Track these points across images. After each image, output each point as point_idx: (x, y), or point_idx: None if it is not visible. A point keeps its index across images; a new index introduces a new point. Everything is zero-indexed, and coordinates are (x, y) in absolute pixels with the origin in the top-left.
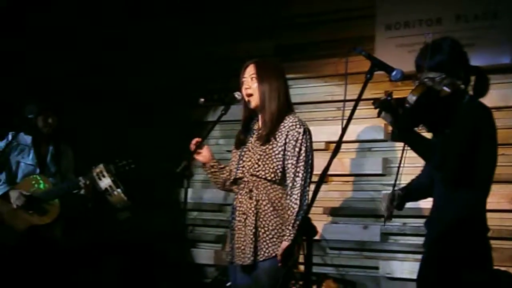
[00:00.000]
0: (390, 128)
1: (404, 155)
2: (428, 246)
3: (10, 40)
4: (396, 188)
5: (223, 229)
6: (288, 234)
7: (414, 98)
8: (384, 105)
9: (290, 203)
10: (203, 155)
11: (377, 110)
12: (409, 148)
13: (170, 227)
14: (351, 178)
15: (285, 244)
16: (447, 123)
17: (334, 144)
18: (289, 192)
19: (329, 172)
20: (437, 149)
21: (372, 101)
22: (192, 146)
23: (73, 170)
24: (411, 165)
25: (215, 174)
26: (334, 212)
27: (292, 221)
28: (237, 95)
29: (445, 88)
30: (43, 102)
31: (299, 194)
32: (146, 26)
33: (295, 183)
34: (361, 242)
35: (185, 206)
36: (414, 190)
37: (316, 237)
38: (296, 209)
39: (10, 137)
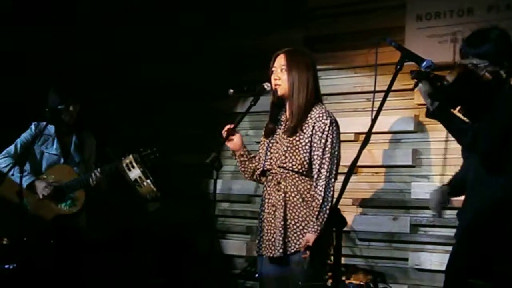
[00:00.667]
0: (420, 118)
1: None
2: (459, 236)
3: (36, 29)
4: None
5: (252, 220)
6: (312, 226)
7: (452, 77)
8: (422, 76)
9: (315, 195)
10: (234, 142)
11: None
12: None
13: (199, 218)
14: (380, 170)
15: (309, 235)
16: (485, 109)
17: (364, 136)
18: (315, 184)
19: (359, 164)
20: (471, 130)
21: (410, 73)
22: (224, 133)
23: (94, 160)
24: (440, 156)
25: (244, 163)
26: (363, 204)
27: (316, 213)
28: (266, 86)
29: (487, 74)
30: (65, 91)
31: (323, 186)
32: (174, 17)
33: (320, 175)
34: (391, 233)
35: (214, 197)
36: (459, 185)
37: (346, 229)
38: (321, 201)
39: (33, 127)
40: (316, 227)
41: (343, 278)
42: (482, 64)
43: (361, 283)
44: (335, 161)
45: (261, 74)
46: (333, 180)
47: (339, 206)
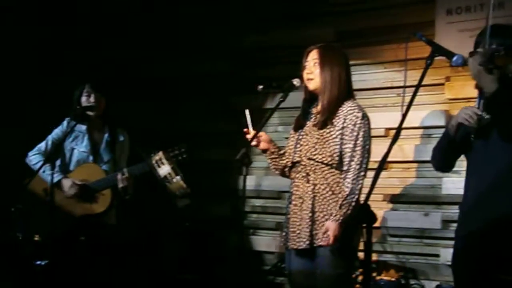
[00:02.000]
0: (451, 113)
1: None
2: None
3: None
4: None
5: (282, 216)
6: (334, 215)
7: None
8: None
9: (343, 186)
10: (262, 143)
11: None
12: None
13: (229, 215)
14: (411, 165)
15: (329, 223)
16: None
17: (394, 131)
18: (344, 176)
19: (389, 159)
20: None
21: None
22: (253, 142)
23: (127, 157)
24: None
25: (275, 160)
26: (394, 199)
27: (340, 203)
28: (295, 82)
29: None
30: (86, 82)
31: (352, 178)
32: (200, 12)
33: (350, 167)
34: (422, 229)
35: (244, 193)
36: None
37: (376, 225)
38: (347, 192)
39: (65, 123)
40: (338, 216)
41: (374, 274)
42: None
43: (392, 279)
44: (366, 155)
45: (290, 70)
46: (362, 173)
47: (369, 202)
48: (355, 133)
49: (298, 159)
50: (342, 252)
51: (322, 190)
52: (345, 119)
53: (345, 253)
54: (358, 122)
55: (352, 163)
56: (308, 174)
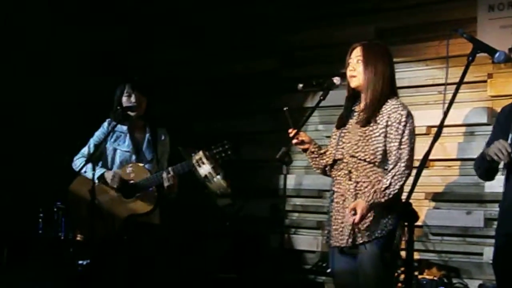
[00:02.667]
0: (494, 110)
1: None
2: None
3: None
4: None
5: (323, 215)
6: (367, 195)
7: None
8: None
9: (383, 179)
10: (303, 143)
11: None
12: None
13: (270, 214)
14: (453, 163)
15: (359, 201)
16: None
17: (436, 129)
18: (388, 171)
19: (431, 157)
20: None
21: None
22: (295, 140)
23: (168, 157)
24: None
25: (315, 159)
26: (436, 198)
27: (376, 189)
28: (335, 80)
29: None
30: (126, 82)
31: (394, 174)
32: (247, 12)
33: (395, 165)
34: (464, 227)
35: (284, 192)
36: None
37: (418, 223)
38: (386, 185)
39: (106, 124)
40: (370, 197)
41: (416, 273)
42: None
43: (435, 278)
44: (412, 153)
45: (331, 68)
46: (407, 172)
47: (411, 200)
48: (400, 131)
49: (340, 156)
50: (385, 250)
51: (364, 187)
52: (389, 117)
53: (387, 251)
54: (403, 120)
55: (399, 161)
56: (350, 172)
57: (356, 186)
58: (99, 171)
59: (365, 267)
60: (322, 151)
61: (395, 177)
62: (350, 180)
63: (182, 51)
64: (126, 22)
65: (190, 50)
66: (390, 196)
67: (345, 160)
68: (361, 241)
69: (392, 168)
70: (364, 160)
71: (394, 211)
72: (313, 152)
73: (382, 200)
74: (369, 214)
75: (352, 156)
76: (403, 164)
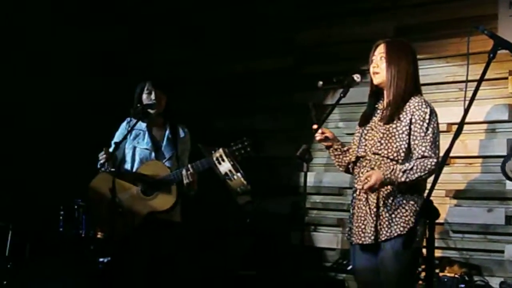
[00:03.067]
0: None
1: None
2: None
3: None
4: None
5: (343, 212)
6: (386, 169)
7: None
8: None
9: (407, 163)
10: (326, 140)
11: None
12: None
13: (290, 211)
14: (474, 160)
15: (376, 171)
16: None
17: (456, 126)
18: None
19: (452, 154)
20: None
21: None
22: (317, 135)
23: (188, 154)
24: None
25: (339, 157)
26: (457, 195)
27: (395, 167)
28: (356, 77)
29: None
30: (147, 79)
31: (417, 164)
32: (266, 9)
33: (421, 158)
34: (485, 225)
35: (305, 190)
36: None
37: (439, 220)
38: (408, 167)
39: (125, 123)
40: (388, 172)
41: (437, 270)
42: None
43: (456, 275)
44: (437, 152)
45: (351, 65)
46: (432, 168)
47: (431, 198)
48: (424, 129)
49: (363, 154)
50: (406, 247)
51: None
52: (412, 114)
53: (409, 248)
54: (427, 117)
55: (425, 156)
56: (372, 169)
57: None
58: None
59: (386, 265)
60: (345, 149)
61: (419, 166)
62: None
63: (199, 49)
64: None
65: (208, 48)
66: (407, 180)
67: (368, 158)
68: (383, 239)
69: (418, 159)
70: (387, 158)
71: (416, 209)
72: (336, 150)
73: (398, 180)
74: (390, 212)
75: (375, 154)
76: (428, 160)
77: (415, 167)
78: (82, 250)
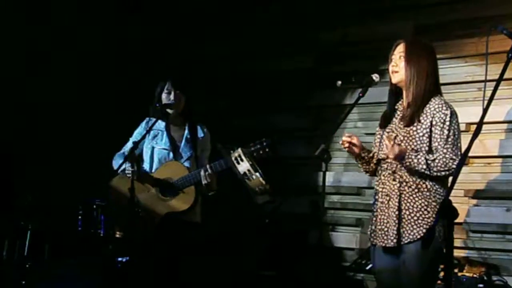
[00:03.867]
0: None
1: None
2: None
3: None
4: None
5: (362, 212)
6: (409, 152)
7: None
8: None
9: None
10: (354, 149)
11: None
12: None
13: (308, 211)
14: (493, 160)
15: (402, 147)
16: None
17: (475, 126)
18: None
19: (470, 154)
20: None
21: None
22: (346, 145)
23: (208, 154)
24: None
25: (365, 164)
26: (476, 195)
27: (416, 154)
28: (374, 77)
29: None
30: (167, 79)
31: (437, 161)
32: (285, 9)
33: (444, 156)
34: (504, 225)
35: (323, 189)
36: None
37: (457, 220)
38: (431, 158)
39: (144, 123)
40: (408, 151)
41: (456, 270)
42: None
43: (474, 275)
44: (458, 153)
45: (370, 65)
46: (452, 167)
47: (450, 198)
48: (445, 131)
49: (384, 156)
50: (425, 247)
51: (408, 187)
52: (433, 117)
53: (431, 250)
54: (447, 119)
55: (447, 156)
56: (394, 172)
57: (400, 186)
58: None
59: (409, 267)
60: (371, 155)
61: (441, 161)
62: (394, 180)
63: (219, 49)
64: (162, 21)
65: (227, 48)
66: (425, 171)
67: (388, 160)
68: (406, 242)
69: (441, 155)
70: None
71: (435, 209)
72: (363, 158)
73: (417, 167)
74: (412, 214)
75: None
76: (450, 160)
77: (437, 161)
78: (100, 250)
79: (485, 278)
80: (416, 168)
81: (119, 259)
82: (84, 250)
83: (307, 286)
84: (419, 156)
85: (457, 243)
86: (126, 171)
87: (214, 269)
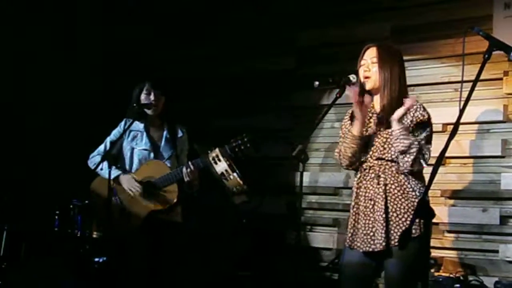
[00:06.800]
0: (509, 108)
1: None
2: None
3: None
4: None
5: (339, 212)
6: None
7: None
8: None
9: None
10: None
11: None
12: None
13: (286, 211)
14: (469, 160)
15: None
16: None
17: (452, 126)
18: None
19: (447, 154)
20: None
21: None
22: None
23: (187, 153)
24: None
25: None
26: (452, 195)
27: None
28: (352, 77)
29: None
30: (146, 80)
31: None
32: (266, 10)
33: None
34: (480, 225)
35: (301, 190)
36: None
37: (434, 220)
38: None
39: (123, 124)
40: (401, 124)
41: (432, 270)
42: None
43: (451, 275)
44: (429, 151)
45: (347, 66)
46: (423, 163)
47: (427, 198)
48: (422, 131)
49: (363, 159)
50: (402, 248)
51: (393, 189)
52: (412, 116)
53: (414, 250)
54: (425, 120)
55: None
56: (379, 176)
57: (385, 189)
58: (114, 172)
59: (393, 268)
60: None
61: (416, 148)
62: (378, 184)
63: (200, 50)
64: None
65: (207, 49)
66: (400, 136)
67: (370, 164)
68: (396, 244)
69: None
70: (392, 161)
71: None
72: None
73: (394, 127)
74: (400, 216)
75: (379, 159)
76: (423, 157)
77: (412, 148)
78: (77, 250)
79: (462, 278)
80: (404, 141)
81: (96, 259)
82: (61, 250)
83: (285, 286)
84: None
85: (433, 243)
86: (104, 171)
87: (192, 269)
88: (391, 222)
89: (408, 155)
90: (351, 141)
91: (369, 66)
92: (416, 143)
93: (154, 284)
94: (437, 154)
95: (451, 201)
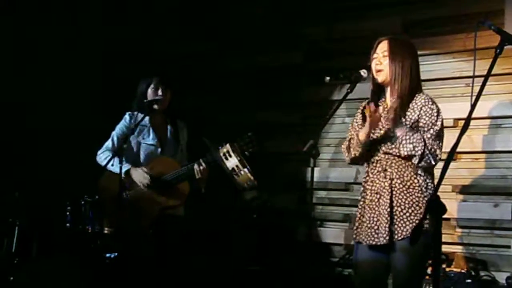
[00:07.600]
0: None
1: None
2: None
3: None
4: None
5: (350, 208)
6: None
7: None
8: None
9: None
10: (375, 120)
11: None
12: None
13: (296, 206)
14: (480, 155)
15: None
16: None
17: (463, 121)
18: None
19: (458, 150)
20: None
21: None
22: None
23: (186, 149)
24: None
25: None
26: (463, 190)
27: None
28: (363, 72)
29: None
30: (154, 75)
31: (426, 145)
32: (273, 4)
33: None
34: (492, 220)
35: (311, 185)
36: None
37: (445, 216)
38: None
39: (128, 117)
40: (398, 123)
41: (444, 265)
42: None
43: (462, 270)
44: (441, 145)
45: (358, 61)
46: (434, 159)
47: (438, 193)
48: (431, 125)
49: (372, 153)
50: (413, 243)
51: (398, 184)
52: (420, 110)
53: (421, 246)
54: (434, 114)
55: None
56: (385, 170)
57: (391, 184)
58: (125, 166)
59: (398, 263)
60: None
61: (420, 149)
62: (385, 177)
63: (207, 45)
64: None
65: (216, 43)
66: (402, 141)
67: (377, 158)
68: (399, 238)
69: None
70: (399, 156)
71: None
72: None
73: (397, 133)
74: (405, 211)
75: (386, 153)
76: (433, 153)
77: (415, 148)
78: (89, 246)
79: (473, 273)
80: (407, 145)
81: (108, 255)
82: (73, 246)
83: (295, 282)
84: (399, 137)
85: (445, 238)
86: (115, 167)
87: (202, 266)
88: (395, 217)
89: (414, 158)
90: (357, 144)
91: (381, 59)
92: (421, 144)
93: (162, 279)
94: (448, 150)
95: (463, 196)
